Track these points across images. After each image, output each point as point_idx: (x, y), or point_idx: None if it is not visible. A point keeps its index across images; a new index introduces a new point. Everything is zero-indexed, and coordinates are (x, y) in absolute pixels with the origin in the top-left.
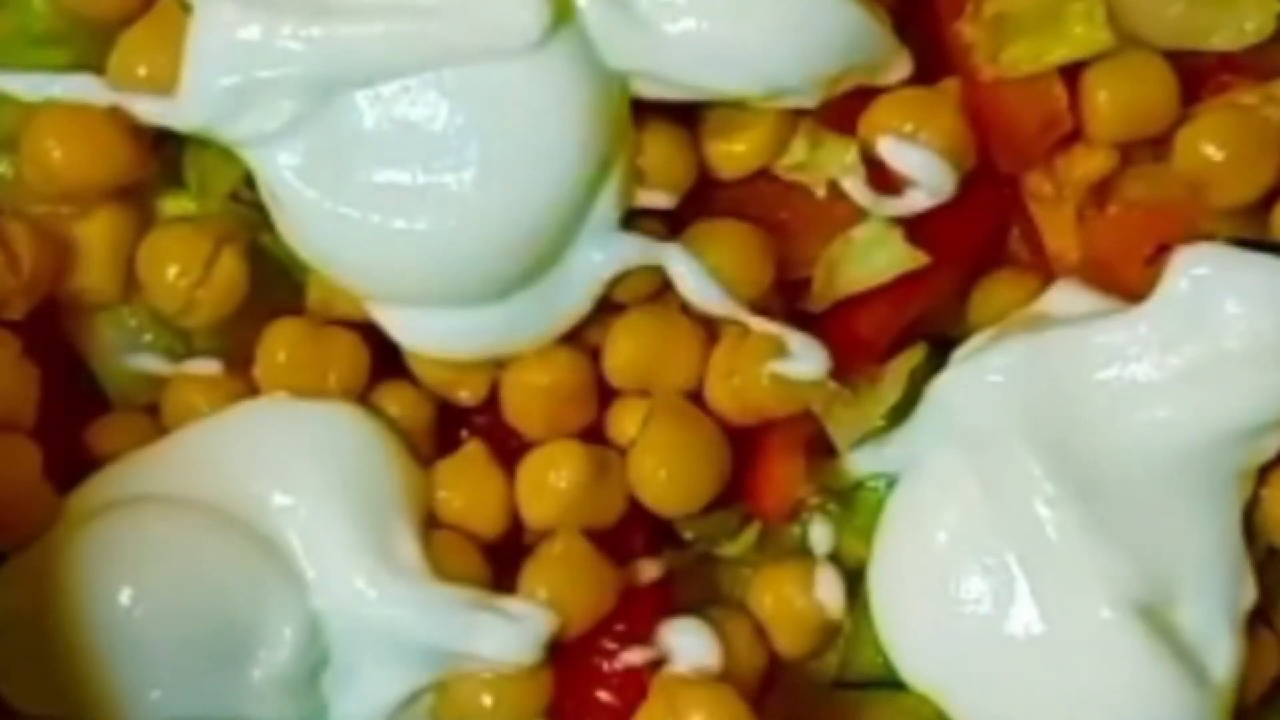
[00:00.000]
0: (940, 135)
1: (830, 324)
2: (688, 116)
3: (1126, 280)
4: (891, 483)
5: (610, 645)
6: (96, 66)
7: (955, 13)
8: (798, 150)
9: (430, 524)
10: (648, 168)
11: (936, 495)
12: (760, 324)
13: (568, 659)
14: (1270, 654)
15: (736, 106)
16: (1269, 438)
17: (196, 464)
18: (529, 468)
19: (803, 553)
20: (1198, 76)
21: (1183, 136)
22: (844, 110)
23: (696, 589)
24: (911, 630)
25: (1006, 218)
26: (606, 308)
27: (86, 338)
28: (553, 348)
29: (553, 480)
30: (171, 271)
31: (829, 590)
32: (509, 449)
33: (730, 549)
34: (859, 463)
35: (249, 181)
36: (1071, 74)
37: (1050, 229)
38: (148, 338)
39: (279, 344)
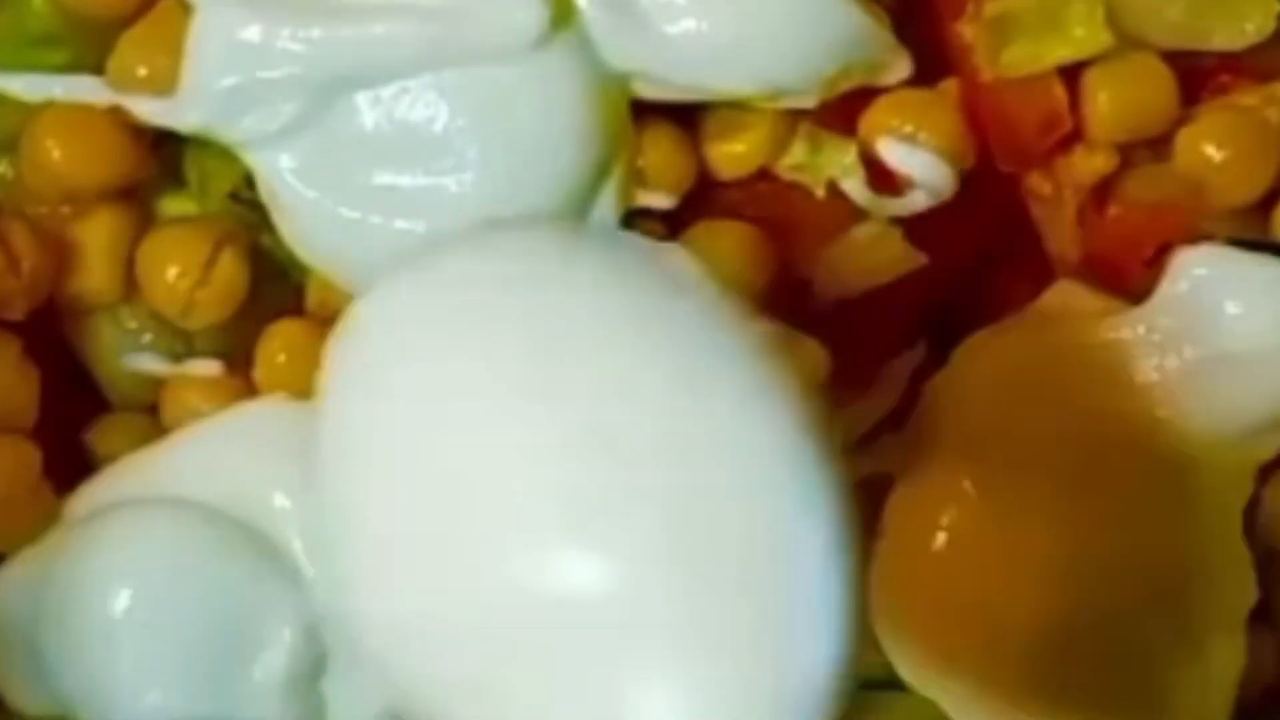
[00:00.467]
0: (940, 135)
1: (830, 324)
2: (688, 117)
3: (1127, 280)
4: (891, 483)
5: None
6: (96, 66)
7: (955, 13)
8: (798, 151)
9: None
10: (648, 168)
11: (936, 495)
12: (760, 324)
13: None
14: (1270, 654)
15: (736, 107)
16: (1269, 438)
17: (196, 464)
18: None
19: None
20: (1198, 77)
21: (1183, 137)
22: (844, 110)
23: None
24: (911, 630)
25: (1006, 218)
26: None
27: (86, 338)
28: None
29: None
30: (171, 272)
31: None
32: None
33: None
34: (858, 463)
35: (249, 181)
36: (1071, 74)
37: (1050, 229)
38: (148, 338)
39: (279, 344)
